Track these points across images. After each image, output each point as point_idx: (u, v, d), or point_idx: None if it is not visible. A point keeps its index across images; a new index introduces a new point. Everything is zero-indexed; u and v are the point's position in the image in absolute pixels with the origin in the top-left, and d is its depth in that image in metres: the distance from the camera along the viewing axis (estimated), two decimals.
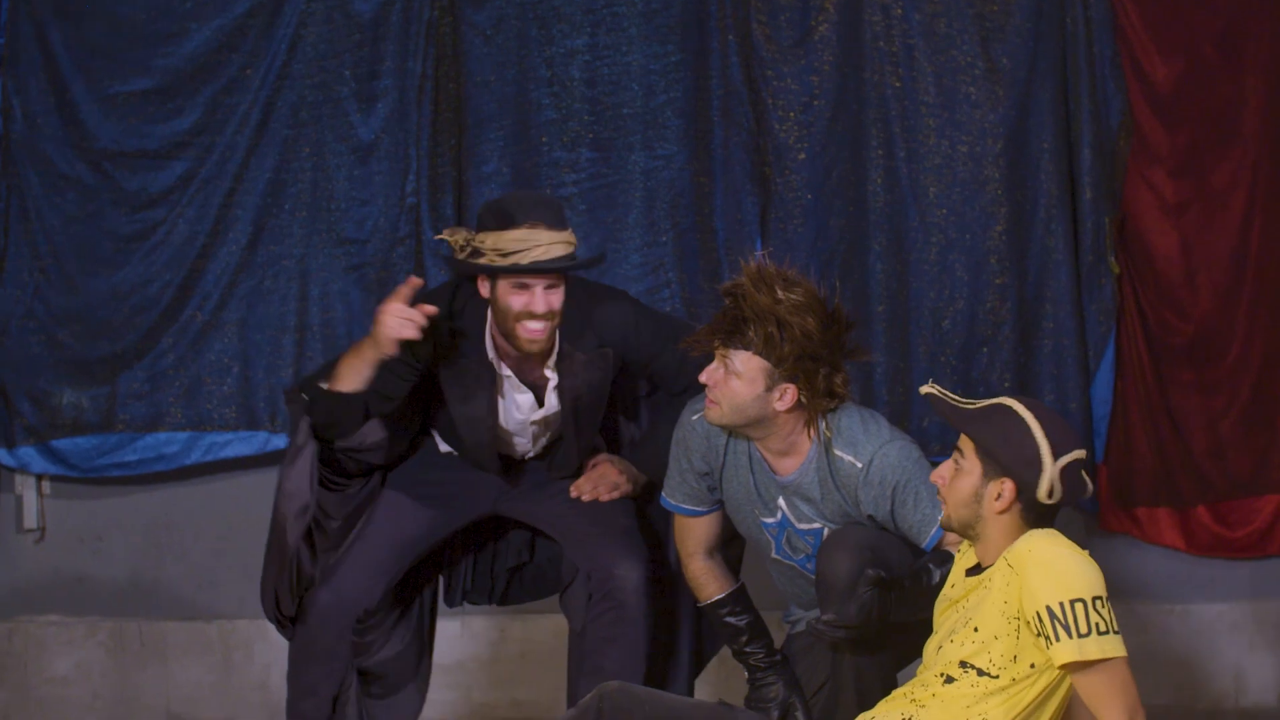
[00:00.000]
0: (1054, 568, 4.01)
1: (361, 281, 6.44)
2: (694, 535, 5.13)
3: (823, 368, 4.75)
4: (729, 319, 4.74)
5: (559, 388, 5.15)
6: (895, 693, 4.30)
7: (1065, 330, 6.36)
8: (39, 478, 6.59)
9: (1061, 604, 3.97)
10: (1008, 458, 4.11)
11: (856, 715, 4.36)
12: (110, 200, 6.49)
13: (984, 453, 4.15)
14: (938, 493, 4.27)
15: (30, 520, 6.59)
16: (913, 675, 4.31)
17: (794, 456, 4.86)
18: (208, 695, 6.57)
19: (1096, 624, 3.97)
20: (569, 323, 5.08)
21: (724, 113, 6.39)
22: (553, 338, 5.06)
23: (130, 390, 6.47)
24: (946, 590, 4.33)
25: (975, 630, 4.13)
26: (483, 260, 4.94)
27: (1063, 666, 4.00)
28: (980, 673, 4.11)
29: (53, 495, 6.62)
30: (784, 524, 4.95)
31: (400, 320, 4.90)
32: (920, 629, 4.40)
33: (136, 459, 6.50)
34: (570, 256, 4.98)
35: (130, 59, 6.48)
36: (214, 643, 6.58)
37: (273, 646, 6.48)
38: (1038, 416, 4.14)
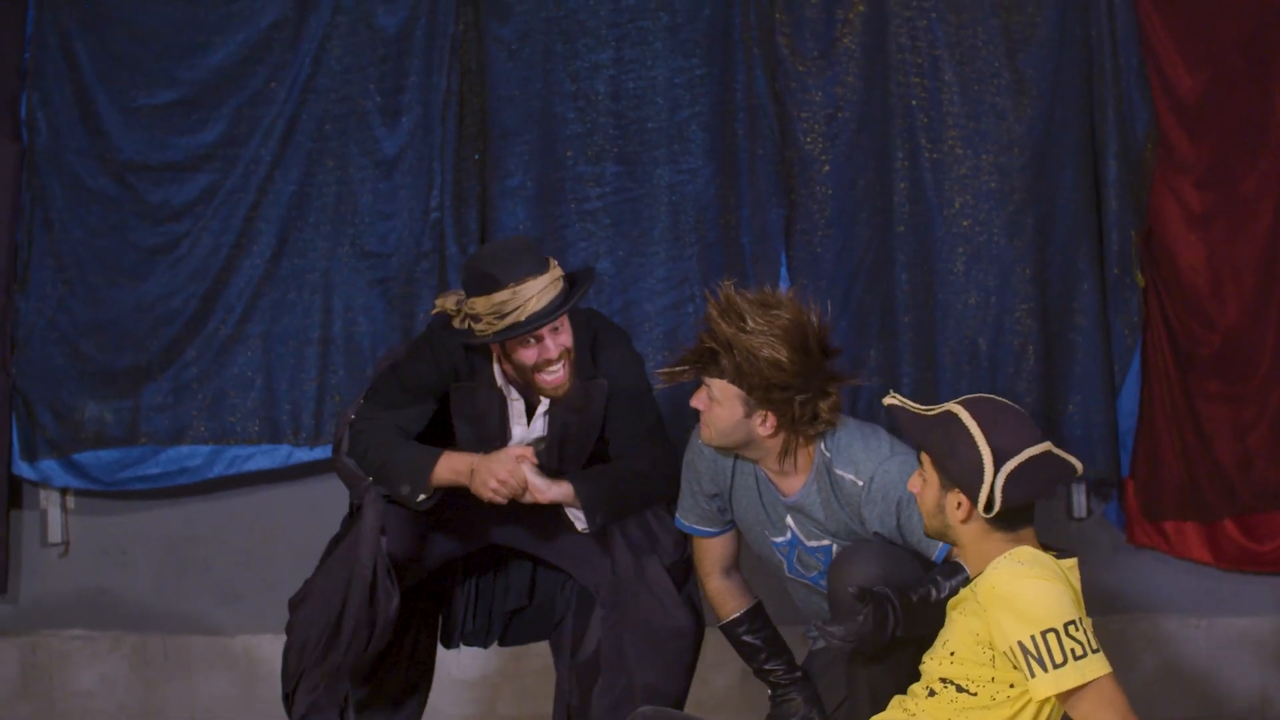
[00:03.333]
0: (1018, 602, 3.99)
1: (385, 295, 6.44)
2: (710, 555, 5.17)
3: (798, 395, 4.76)
4: (701, 348, 4.82)
5: (549, 412, 5.17)
6: (892, 701, 4.32)
7: (1090, 342, 6.34)
8: (63, 492, 6.58)
9: (1033, 638, 3.96)
10: (955, 470, 4.10)
11: None
12: (134, 212, 6.49)
13: (936, 464, 4.15)
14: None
15: (55, 534, 6.59)
16: None
17: (796, 476, 4.89)
18: (231, 709, 6.56)
19: (1072, 650, 3.95)
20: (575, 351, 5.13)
21: (749, 126, 6.38)
22: (572, 376, 5.10)
23: (153, 403, 6.46)
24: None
25: (951, 653, 4.16)
26: (481, 326, 4.98)
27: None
28: (959, 689, 4.13)
29: (77, 510, 6.61)
30: (794, 542, 4.97)
31: (499, 489, 4.98)
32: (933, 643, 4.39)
33: (159, 472, 6.49)
34: (563, 293, 5.02)
35: (155, 71, 6.49)
36: (237, 657, 6.58)
37: None
38: (982, 422, 4.09)
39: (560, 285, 5.03)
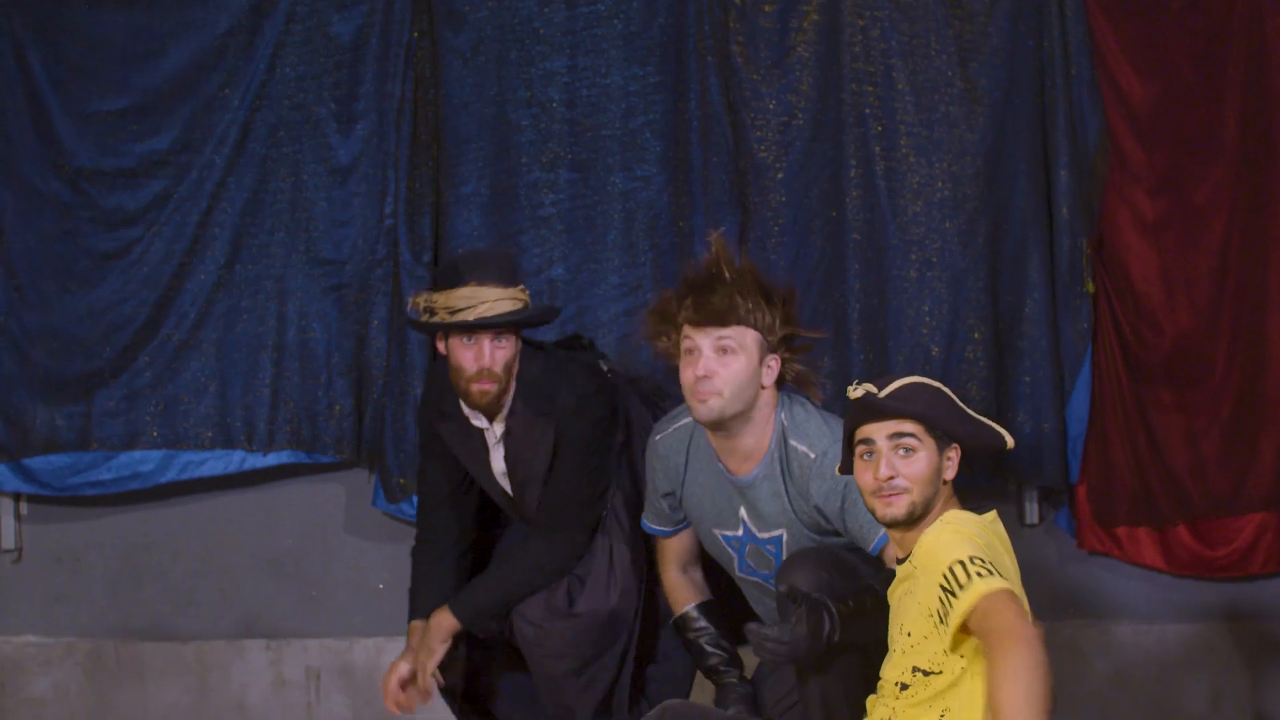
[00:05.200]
0: (935, 551, 4.14)
1: (340, 302, 6.43)
2: (666, 553, 5.26)
3: (794, 337, 4.90)
4: (719, 297, 4.80)
5: (503, 440, 5.31)
6: (868, 704, 4.34)
7: (1040, 349, 6.36)
8: (16, 498, 6.56)
9: (944, 574, 4.05)
10: (951, 421, 4.29)
11: None
12: (87, 218, 6.46)
13: (930, 427, 4.27)
14: (889, 490, 4.28)
15: (7, 540, 6.56)
16: None
17: (754, 455, 4.88)
18: (184, 716, 6.53)
19: (976, 573, 4.02)
20: (530, 385, 5.26)
21: (702, 134, 6.39)
22: (502, 396, 5.24)
23: (105, 409, 6.43)
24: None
25: (908, 634, 4.22)
26: (435, 320, 5.17)
27: (963, 631, 4.03)
28: (925, 673, 4.17)
29: (29, 516, 6.59)
30: (746, 537, 4.99)
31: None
32: (880, 651, 4.40)
33: (111, 477, 6.46)
34: (518, 313, 5.17)
35: (109, 77, 6.47)
36: (190, 663, 6.55)
37: (249, 667, 6.52)
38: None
39: (519, 307, 5.20)
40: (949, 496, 4.31)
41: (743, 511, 4.96)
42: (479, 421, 5.32)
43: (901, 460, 4.28)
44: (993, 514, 4.32)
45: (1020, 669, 3.88)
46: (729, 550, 5.05)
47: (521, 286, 5.25)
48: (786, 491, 4.87)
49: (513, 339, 5.23)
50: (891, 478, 4.27)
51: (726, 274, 4.84)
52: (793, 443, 4.85)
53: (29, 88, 6.48)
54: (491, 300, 5.13)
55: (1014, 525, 6.41)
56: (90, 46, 6.48)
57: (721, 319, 4.80)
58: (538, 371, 5.28)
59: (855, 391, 4.33)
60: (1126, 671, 6.47)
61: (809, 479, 4.83)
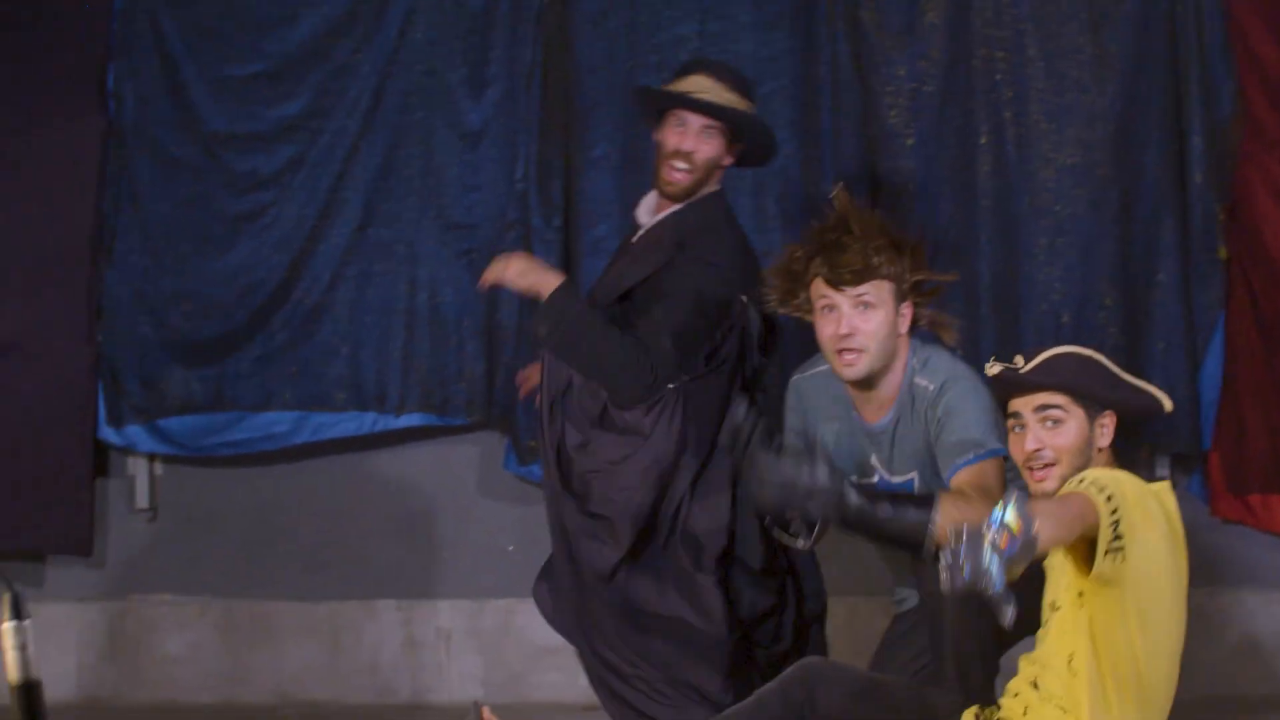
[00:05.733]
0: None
1: (471, 266, 6.43)
2: None
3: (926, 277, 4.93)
4: (853, 254, 4.82)
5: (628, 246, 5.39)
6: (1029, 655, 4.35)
7: (1172, 316, 6.33)
8: (150, 458, 6.64)
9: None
10: (1101, 389, 4.29)
11: (959, 687, 4.44)
12: (220, 183, 6.54)
13: (1077, 397, 4.28)
14: (1038, 463, 4.29)
15: (142, 500, 6.64)
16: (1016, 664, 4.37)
17: (888, 402, 4.91)
18: (317, 676, 6.60)
19: (1088, 481, 4.05)
20: (686, 218, 5.26)
21: (833, 100, 6.39)
22: (687, 193, 5.28)
23: (240, 371, 6.51)
24: None
25: (1051, 571, 4.26)
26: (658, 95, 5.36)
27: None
28: (1054, 608, 4.21)
29: (164, 476, 6.67)
30: (881, 484, 4.97)
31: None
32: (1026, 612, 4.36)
33: (245, 438, 6.54)
34: (737, 112, 5.26)
35: (242, 43, 6.54)
36: (322, 624, 6.62)
37: (381, 628, 6.59)
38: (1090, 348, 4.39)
39: (744, 112, 5.30)
40: (1108, 463, 4.31)
41: (874, 459, 4.98)
42: (642, 214, 5.37)
43: (1049, 432, 4.29)
44: (1164, 484, 4.30)
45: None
46: None
47: (750, 101, 5.33)
48: (914, 430, 4.88)
49: (720, 143, 5.31)
50: (1039, 449, 4.29)
51: (856, 229, 4.86)
52: (919, 380, 4.88)
53: (163, 54, 6.57)
54: (713, 89, 5.26)
55: None
56: (223, 12, 6.57)
57: (859, 277, 4.82)
58: (702, 218, 5.29)
59: (993, 369, 4.35)
60: (1256, 640, 6.43)
61: (927, 409, 4.85)
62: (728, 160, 5.37)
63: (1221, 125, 6.34)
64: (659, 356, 5.13)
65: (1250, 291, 6.32)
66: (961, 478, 4.70)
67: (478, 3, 6.49)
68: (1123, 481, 4.11)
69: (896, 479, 4.95)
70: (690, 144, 5.26)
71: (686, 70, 5.38)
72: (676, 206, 5.31)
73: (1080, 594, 4.14)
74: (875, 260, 4.82)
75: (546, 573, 5.34)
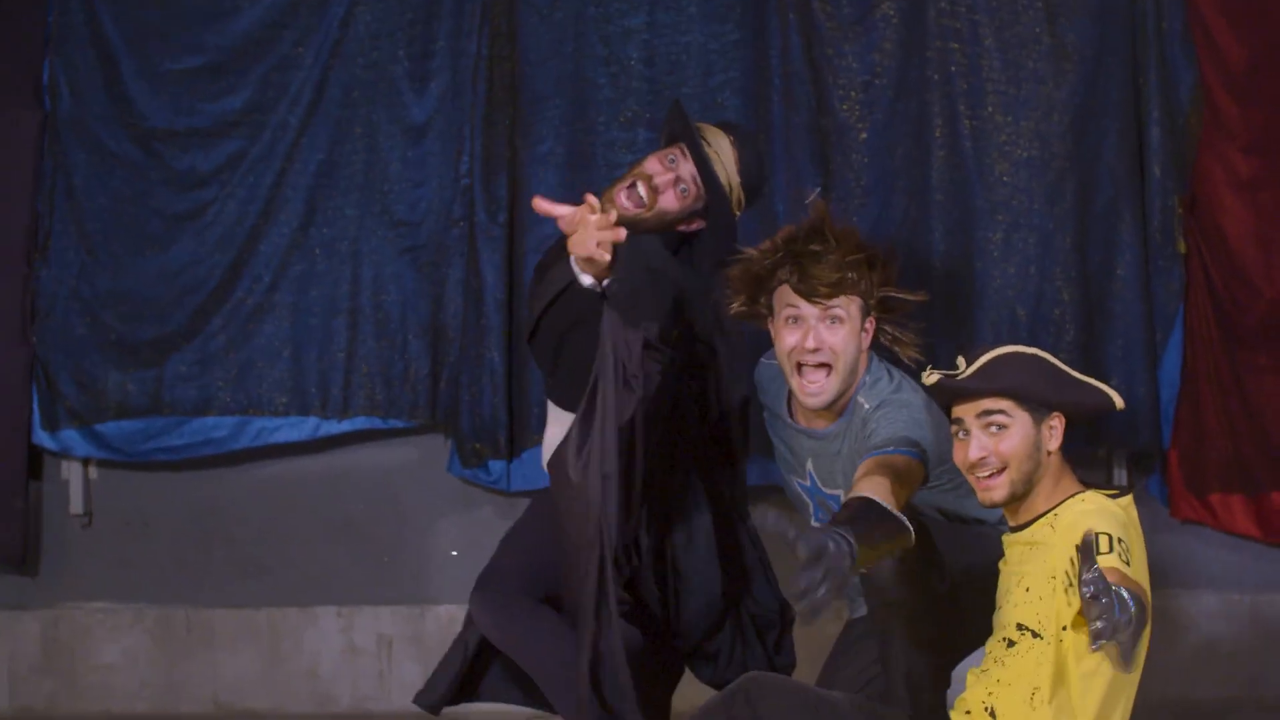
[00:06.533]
0: (1084, 519, 4.07)
1: (415, 264, 6.37)
2: None
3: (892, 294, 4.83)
4: (827, 268, 4.71)
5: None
6: (982, 665, 4.28)
7: (1132, 312, 6.25)
8: (85, 462, 6.54)
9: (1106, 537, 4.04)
10: (1049, 391, 4.19)
11: (908, 705, 4.40)
12: (159, 179, 6.46)
13: (1023, 399, 4.18)
14: (984, 471, 4.21)
15: (77, 505, 6.55)
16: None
17: (832, 414, 4.82)
18: (255, 684, 6.51)
19: (1116, 553, 4.01)
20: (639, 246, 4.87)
21: (784, 93, 6.30)
22: (632, 221, 4.84)
23: (178, 373, 6.42)
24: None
25: (1027, 590, 4.17)
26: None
27: None
28: (1034, 634, 4.13)
29: (99, 481, 6.58)
30: (814, 489, 4.93)
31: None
32: (970, 622, 4.38)
33: (183, 443, 6.44)
34: (714, 177, 4.96)
35: (182, 37, 6.46)
36: (262, 631, 6.52)
37: (321, 635, 6.51)
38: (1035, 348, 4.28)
39: (729, 157, 5.00)
40: (1059, 465, 4.23)
41: (809, 464, 4.91)
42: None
43: (993, 438, 4.21)
44: (1128, 498, 4.26)
45: None
46: (803, 497, 5.00)
47: (743, 184, 5.02)
48: (848, 446, 4.80)
49: (685, 205, 4.97)
50: (984, 458, 4.21)
51: (833, 240, 4.76)
52: (859, 398, 4.79)
53: (101, 48, 6.48)
54: (722, 154, 4.99)
55: None
56: (163, 5, 6.47)
57: (833, 290, 4.74)
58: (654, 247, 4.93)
59: (930, 377, 4.27)
60: (1216, 642, 6.36)
61: (860, 426, 4.75)
62: (678, 223, 5.03)
63: (1180, 116, 6.27)
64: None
65: (1209, 285, 6.26)
66: (869, 460, 4.53)
67: None
68: (1128, 526, 4.13)
69: (828, 490, 4.89)
70: (662, 178, 4.95)
71: (726, 128, 5.10)
72: None
73: (1064, 628, 4.09)
74: (850, 275, 4.74)
75: (484, 582, 5.19)
